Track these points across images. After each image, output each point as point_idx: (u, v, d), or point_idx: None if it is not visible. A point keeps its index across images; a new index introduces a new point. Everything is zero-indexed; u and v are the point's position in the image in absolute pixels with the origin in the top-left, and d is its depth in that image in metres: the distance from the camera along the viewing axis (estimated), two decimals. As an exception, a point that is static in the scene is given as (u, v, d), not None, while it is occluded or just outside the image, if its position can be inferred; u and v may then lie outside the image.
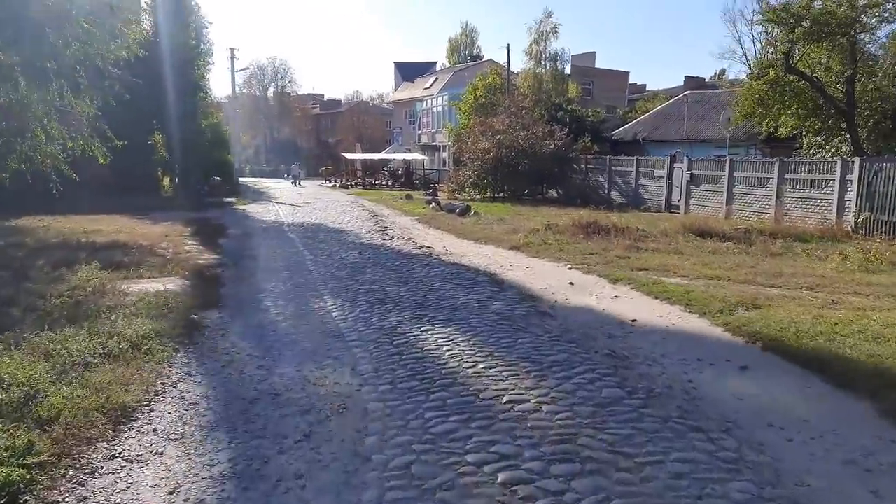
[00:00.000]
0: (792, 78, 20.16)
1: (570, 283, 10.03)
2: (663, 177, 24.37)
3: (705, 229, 15.51)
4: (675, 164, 24.00)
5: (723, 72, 52.92)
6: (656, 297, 8.69)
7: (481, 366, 5.93)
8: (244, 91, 76.05)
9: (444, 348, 6.53)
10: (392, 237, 16.28)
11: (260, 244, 15.24)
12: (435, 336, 6.98)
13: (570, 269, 11.30)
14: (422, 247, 14.42)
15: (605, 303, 8.72)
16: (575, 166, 29.45)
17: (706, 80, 48.81)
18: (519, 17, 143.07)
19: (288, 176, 53.17)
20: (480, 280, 10.40)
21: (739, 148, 27.06)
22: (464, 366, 5.95)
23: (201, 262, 12.28)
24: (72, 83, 15.67)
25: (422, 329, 7.29)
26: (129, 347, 6.21)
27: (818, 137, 22.05)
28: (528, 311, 8.17)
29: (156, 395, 5.32)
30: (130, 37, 27.03)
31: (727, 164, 21.44)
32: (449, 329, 7.26)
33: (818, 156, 20.75)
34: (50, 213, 19.00)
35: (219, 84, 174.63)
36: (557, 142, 28.27)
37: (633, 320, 7.71)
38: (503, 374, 5.71)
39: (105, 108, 20.17)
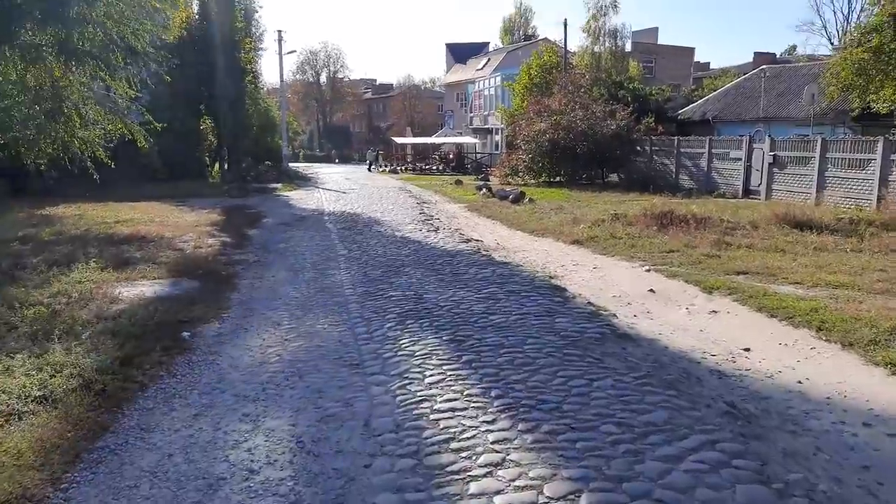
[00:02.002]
0: (900, 44, 17.34)
1: (651, 291, 8.11)
2: (740, 159, 21.81)
3: (802, 220, 13.15)
4: (754, 145, 21.44)
5: (794, 47, 48.97)
6: (771, 315, 6.66)
7: (545, 429, 4.16)
8: (297, 78, 75.92)
9: (493, 393, 4.79)
10: (437, 228, 14.57)
11: (292, 236, 13.80)
12: (481, 373, 5.23)
13: (647, 270, 9.35)
14: (469, 240, 12.67)
15: (700, 320, 6.79)
16: (638, 148, 27.03)
17: (777, 57, 45.12)
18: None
19: (359, 160, 52.25)
20: (538, 285, 8.58)
21: (825, 127, 24.02)
22: (520, 428, 4.19)
23: (221, 258, 10.92)
24: (106, 64, 14.59)
25: (463, 360, 5.56)
26: (79, 386, 4.72)
27: (923, 113, 19.09)
28: (603, 333, 6.32)
29: (85, 468, 3.78)
30: (175, 19, 26.12)
31: (818, 144, 18.79)
32: (500, 360, 5.49)
33: (927, 134, 17.87)
34: (91, 200, 18.17)
35: (271, 70, 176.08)
36: (619, 122, 25.91)
37: (747, 349, 5.78)
38: (577, 446, 3.92)
39: (151, 92, 19.14)
